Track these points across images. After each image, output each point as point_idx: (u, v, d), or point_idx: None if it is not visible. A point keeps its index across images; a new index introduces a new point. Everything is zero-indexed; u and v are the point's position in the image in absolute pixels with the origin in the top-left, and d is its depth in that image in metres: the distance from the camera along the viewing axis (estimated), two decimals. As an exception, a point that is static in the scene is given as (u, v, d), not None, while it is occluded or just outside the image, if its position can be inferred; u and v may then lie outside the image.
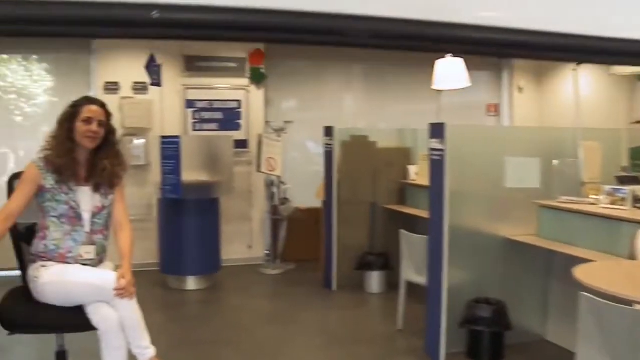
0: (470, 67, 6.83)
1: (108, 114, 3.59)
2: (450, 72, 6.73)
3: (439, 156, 5.07)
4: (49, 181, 3.42)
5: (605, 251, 4.54)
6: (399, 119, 9.39)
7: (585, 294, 3.17)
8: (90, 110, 3.47)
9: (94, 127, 3.45)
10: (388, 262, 7.24)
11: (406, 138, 7.78)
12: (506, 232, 5.32)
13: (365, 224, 7.53)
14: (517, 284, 5.38)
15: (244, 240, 8.59)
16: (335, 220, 7.26)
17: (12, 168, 7.77)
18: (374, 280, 7.23)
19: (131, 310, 3.41)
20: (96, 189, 3.54)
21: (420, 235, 5.54)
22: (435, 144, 5.12)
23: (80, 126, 3.44)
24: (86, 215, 3.49)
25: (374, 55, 9.12)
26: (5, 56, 8.06)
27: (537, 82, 10.14)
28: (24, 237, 3.63)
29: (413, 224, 6.92)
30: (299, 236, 8.48)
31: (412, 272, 5.75)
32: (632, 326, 3.04)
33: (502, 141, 5.41)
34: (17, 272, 3.68)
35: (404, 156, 7.64)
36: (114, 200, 3.64)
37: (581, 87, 9.00)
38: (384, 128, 8.74)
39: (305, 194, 8.34)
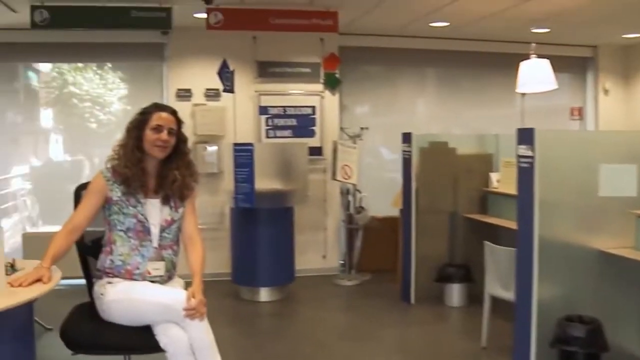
0: (553, 69, 6.43)
1: (179, 122, 3.39)
2: (535, 73, 6.34)
3: (527, 163, 4.72)
4: (116, 193, 3.26)
5: None
6: (474, 124, 9.10)
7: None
8: (161, 117, 3.29)
9: (163, 135, 3.26)
10: (469, 274, 6.91)
11: (486, 144, 7.41)
12: (600, 245, 4.89)
13: (445, 234, 7.20)
14: (613, 300, 4.95)
15: (318, 250, 8.36)
16: (413, 230, 6.95)
17: (87, 175, 7.78)
18: (454, 293, 6.89)
19: (202, 331, 3.18)
20: (165, 201, 3.35)
21: (507, 248, 5.20)
22: (523, 150, 4.77)
23: (149, 134, 3.26)
24: (155, 229, 3.30)
25: (448, 58, 8.86)
26: (80, 64, 8.11)
27: (625, 83, 9.61)
28: (90, 250, 3.47)
29: (495, 234, 6.61)
30: (375, 246, 8.20)
31: (497, 286, 5.41)
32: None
33: (595, 147, 5.00)
34: (84, 281, 3.56)
35: (485, 163, 7.27)
36: (184, 213, 3.44)
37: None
38: (462, 133, 8.42)
39: (380, 202, 8.08)
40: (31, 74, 8.38)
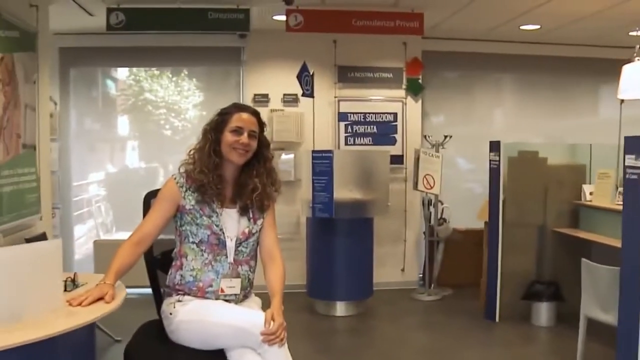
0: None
1: (261, 124, 3.09)
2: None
3: (637, 175, 4.30)
4: (189, 201, 2.97)
5: None
6: (556, 134, 8.65)
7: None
8: (241, 118, 2.98)
9: (244, 138, 2.95)
10: (558, 292, 6.48)
11: (578, 154, 6.97)
12: None
13: (532, 249, 6.78)
14: None
15: (396, 263, 8.03)
16: (500, 244, 6.55)
17: (161, 182, 7.64)
18: (543, 312, 6.48)
19: (282, 358, 2.83)
20: (243, 211, 3.03)
21: (608, 266, 4.77)
22: (632, 160, 4.35)
23: (228, 137, 2.95)
24: (230, 243, 2.99)
25: (531, 64, 8.43)
26: (156, 72, 8.03)
27: None
28: (159, 264, 3.19)
29: (587, 250, 6.27)
30: (456, 260, 7.85)
31: (595, 307, 4.98)
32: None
33: None
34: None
35: (577, 174, 6.83)
36: (263, 225, 3.12)
37: None
38: (551, 142, 7.92)
39: (460, 213, 7.78)
40: (109, 81, 8.40)
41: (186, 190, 2.98)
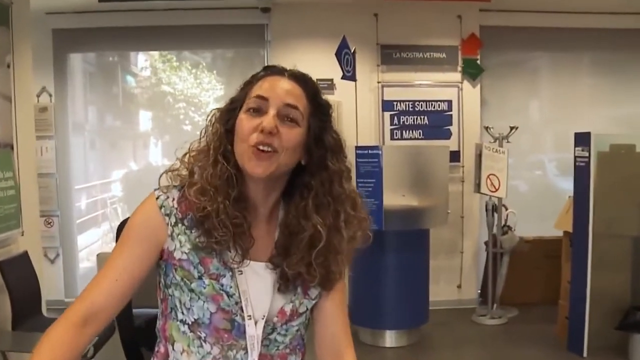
0: None
1: (317, 102, 1.61)
2: None
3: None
4: (182, 243, 1.57)
5: None
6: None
7: None
8: (267, 86, 1.56)
9: (267, 120, 1.50)
10: (665, 322, 5.23)
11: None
12: None
13: (627, 266, 5.55)
14: None
15: (452, 279, 6.82)
16: (589, 260, 5.30)
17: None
18: (644, 346, 5.23)
19: None
20: (285, 274, 1.60)
21: None
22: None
23: (241, 125, 1.54)
24: (254, 328, 1.57)
25: (614, 39, 7.05)
26: (175, 63, 6.92)
27: None
28: (143, 337, 1.90)
29: None
30: (523, 274, 6.67)
31: None
32: None
33: None
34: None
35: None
36: (323, 303, 1.68)
37: None
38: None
39: (528, 219, 6.58)
40: (129, 77, 7.43)
41: (176, 223, 1.58)
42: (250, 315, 1.56)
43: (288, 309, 1.61)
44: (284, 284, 1.59)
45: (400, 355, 5.49)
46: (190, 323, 1.57)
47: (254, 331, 1.57)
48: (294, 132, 1.54)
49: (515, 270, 6.52)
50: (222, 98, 6.82)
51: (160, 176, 1.63)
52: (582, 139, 5.28)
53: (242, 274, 1.56)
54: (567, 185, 6.69)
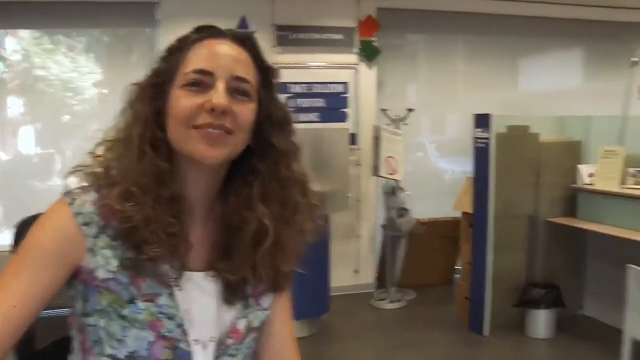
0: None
1: (264, 65, 1.34)
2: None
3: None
4: (107, 260, 1.22)
5: None
6: (537, 106, 7.43)
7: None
8: (210, 53, 1.25)
9: (217, 97, 1.20)
10: (559, 297, 5.34)
11: (569, 128, 5.89)
12: None
13: (523, 245, 5.65)
14: None
15: (349, 264, 6.68)
16: (490, 241, 5.34)
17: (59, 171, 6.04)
18: (541, 322, 5.38)
19: None
20: (231, 284, 1.32)
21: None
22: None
23: (179, 103, 1.22)
24: (202, 355, 1.29)
25: (511, 25, 7.19)
26: (49, 46, 6.36)
27: None
28: None
29: (588, 245, 5.81)
30: (419, 257, 6.62)
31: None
32: None
33: None
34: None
35: (573, 153, 5.72)
36: (274, 311, 1.43)
37: None
38: (544, 116, 6.66)
39: (423, 202, 6.54)
40: None
41: (98, 234, 1.23)
42: (197, 340, 1.27)
43: (242, 325, 1.33)
44: (231, 294, 1.30)
45: (302, 346, 5.24)
46: (122, 358, 1.23)
47: (202, 358, 1.28)
48: (247, 108, 1.25)
49: (412, 253, 6.51)
50: (103, 83, 6.39)
51: (67, 177, 1.26)
52: (482, 121, 5.30)
53: (181, 290, 1.25)
54: (449, 167, 6.80)
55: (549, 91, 7.62)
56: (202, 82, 1.22)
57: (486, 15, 7.07)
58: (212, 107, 1.19)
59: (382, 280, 6.65)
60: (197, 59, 1.24)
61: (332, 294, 5.93)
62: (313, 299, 5.45)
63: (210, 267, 1.30)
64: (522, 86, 7.73)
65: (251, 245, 1.29)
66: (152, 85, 1.26)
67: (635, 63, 5.56)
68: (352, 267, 6.70)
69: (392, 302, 6.30)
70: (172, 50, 1.28)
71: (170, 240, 1.21)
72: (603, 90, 7.26)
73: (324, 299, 5.57)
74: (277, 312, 1.42)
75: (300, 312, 5.17)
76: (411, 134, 6.95)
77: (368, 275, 6.78)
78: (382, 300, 6.36)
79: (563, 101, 7.46)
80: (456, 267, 6.64)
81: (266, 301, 1.38)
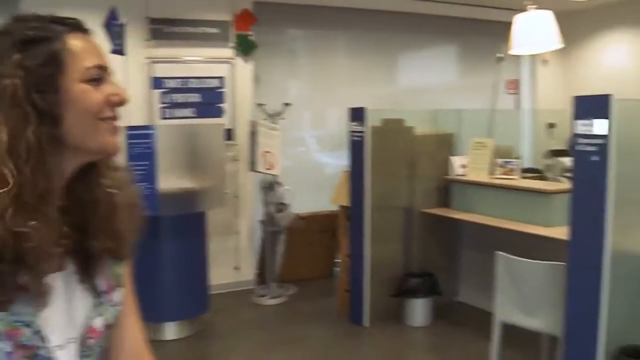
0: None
1: None
2: (535, 30, 4.95)
3: (595, 146, 3.28)
4: None
5: None
6: (413, 100, 7.61)
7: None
8: (92, 47, 1.18)
9: (122, 93, 1.20)
10: (436, 286, 5.48)
11: (445, 121, 6.05)
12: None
13: (399, 235, 5.74)
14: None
15: (229, 261, 6.59)
16: (367, 232, 5.41)
17: None
18: (418, 310, 5.50)
19: None
20: (86, 275, 1.25)
21: (540, 262, 3.79)
22: (586, 126, 3.33)
23: (91, 95, 1.15)
24: (64, 356, 1.19)
25: (389, 21, 7.31)
26: None
27: (564, 52, 8.52)
28: None
29: (461, 234, 5.99)
30: (298, 251, 6.62)
31: (514, 311, 4.00)
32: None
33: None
34: None
35: (446, 144, 5.88)
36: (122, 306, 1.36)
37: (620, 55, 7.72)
38: (417, 109, 6.79)
39: (301, 196, 6.49)
40: None
41: None
42: (58, 345, 1.18)
43: (99, 324, 1.27)
44: (85, 288, 1.25)
45: (182, 347, 5.15)
46: None
47: (64, 357, 1.20)
48: None
49: (291, 247, 6.51)
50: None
51: None
52: (357, 114, 5.36)
53: (37, 294, 1.13)
54: (329, 160, 6.84)
55: (426, 86, 7.86)
56: (101, 77, 1.18)
57: (365, 10, 7.17)
58: (121, 101, 1.19)
59: (262, 276, 6.61)
60: (88, 53, 1.17)
61: (213, 292, 5.84)
62: (192, 298, 5.35)
63: (62, 266, 1.21)
64: (400, 81, 7.89)
65: (102, 221, 1.25)
66: (38, 79, 1.12)
67: (501, 58, 5.77)
68: (232, 263, 6.62)
69: (272, 297, 6.28)
70: (37, 41, 1.14)
71: (45, 239, 1.10)
72: (475, 84, 7.53)
73: (203, 298, 5.46)
74: (125, 306, 1.38)
75: (179, 312, 5.15)
76: (292, 129, 6.98)
77: (249, 272, 6.71)
78: (262, 296, 6.32)
79: (438, 95, 7.71)
80: (336, 260, 6.68)
81: (117, 296, 1.33)
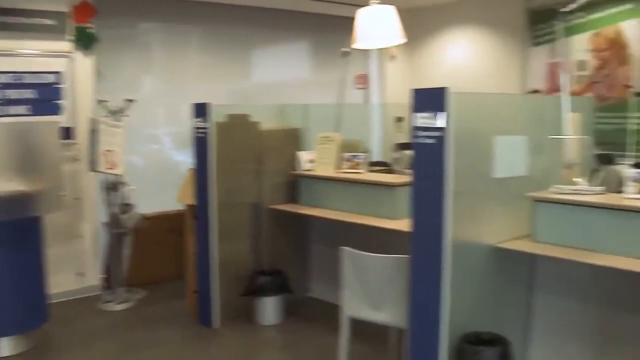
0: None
1: None
2: (379, 24, 4.98)
3: (434, 138, 3.31)
4: None
5: None
6: (264, 96, 7.56)
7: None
8: None
9: None
10: (286, 283, 5.44)
11: (292, 116, 6.04)
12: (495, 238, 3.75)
13: (248, 233, 5.65)
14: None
15: (71, 267, 6.24)
16: (214, 230, 5.28)
17: None
18: (269, 309, 5.44)
19: None
20: None
21: (382, 255, 3.80)
22: (424, 119, 3.35)
23: None
24: None
25: (246, 16, 7.22)
26: None
27: (410, 47, 8.75)
28: None
29: (310, 229, 6.02)
30: (145, 253, 6.40)
31: (362, 305, 4.01)
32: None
33: (489, 113, 3.78)
34: None
35: (293, 139, 5.85)
36: None
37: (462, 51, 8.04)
38: (263, 104, 6.69)
39: (148, 196, 6.35)
40: None
41: None
42: None
43: None
44: None
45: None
46: None
47: None
48: None
49: (138, 249, 6.27)
50: None
51: None
52: (201, 110, 5.20)
53: None
54: (185, 158, 6.65)
55: (280, 81, 7.84)
56: None
57: (219, 4, 7.03)
58: None
59: (108, 280, 6.31)
60: None
61: (54, 300, 5.54)
62: (28, 310, 4.97)
63: None
64: (255, 76, 7.81)
65: None
66: None
67: (346, 53, 5.78)
68: (75, 269, 6.27)
69: (120, 303, 6.01)
70: None
71: None
72: (327, 79, 7.56)
73: (41, 308, 5.08)
74: None
75: (14, 326, 4.78)
76: (144, 126, 6.77)
77: (93, 277, 6.39)
78: (109, 302, 6.04)
79: (292, 90, 7.72)
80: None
81: None
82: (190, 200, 5.49)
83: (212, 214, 5.24)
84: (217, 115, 5.25)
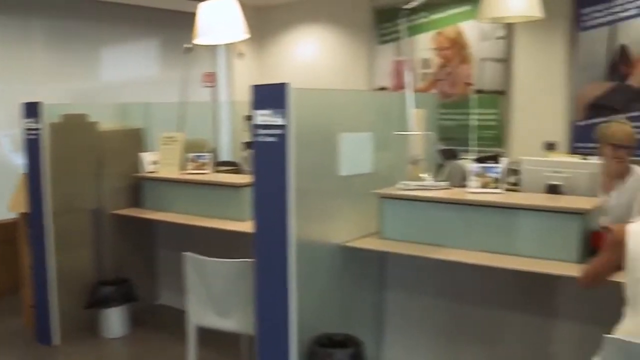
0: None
1: None
2: (218, 19, 4.77)
3: (275, 137, 3.18)
4: None
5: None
6: (120, 94, 7.20)
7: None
8: None
9: None
10: (131, 292, 5.16)
11: (133, 115, 5.74)
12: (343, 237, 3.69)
13: (88, 240, 5.30)
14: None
15: None
16: (50, 239, 4.89)
17: None
18: (114, 320, 5.12)
19: None
20: None
21: (225, 260, 3.64)
22: (264, 116, 3.22)
23: None
24: None
25: (93, 11, 6.82)
26: None
27: (259, 45, 8.65)
28: None
29: (157, 234, 5.76)
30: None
31: (208, 313, 3.85)
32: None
33: (337, 111, 3.71)
34: None
35: (135, 140, 5.56)
36: None
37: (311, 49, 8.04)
38: (102, 103, 6.34)
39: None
40: None
41: None
42: None
43: None
44: None
45: None
46: None
47: None
48: None
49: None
50: None
51: None
52: (31, 110, 4.81)
53: None
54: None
55: (128, 79, 7.49)
56: None
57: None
58: None
59: None
60: None
61: None
62: None
63: None
64: (102, 74, 7.45)
65: None
66: None
67: (189, 49, 5.57)
68: None
69: (-57, 323, 5.50)
70: None
71: None
72: (175, 77, 7.27)
73: None
74: None
75: None
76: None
77: None
78: None
79: (140, 89, 7.40)
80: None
81: None
82: (24, 208, 5.08)
83: (47, 222, 4.86)
84: (51, 116, 4.87)
